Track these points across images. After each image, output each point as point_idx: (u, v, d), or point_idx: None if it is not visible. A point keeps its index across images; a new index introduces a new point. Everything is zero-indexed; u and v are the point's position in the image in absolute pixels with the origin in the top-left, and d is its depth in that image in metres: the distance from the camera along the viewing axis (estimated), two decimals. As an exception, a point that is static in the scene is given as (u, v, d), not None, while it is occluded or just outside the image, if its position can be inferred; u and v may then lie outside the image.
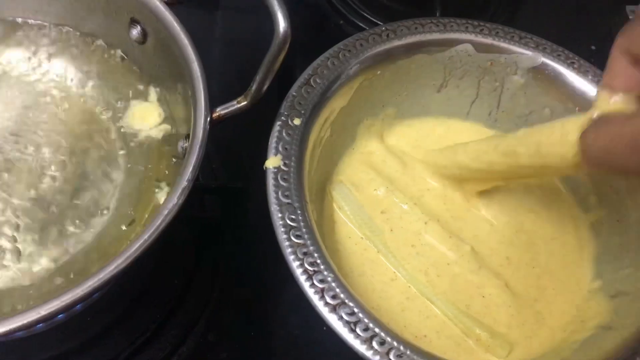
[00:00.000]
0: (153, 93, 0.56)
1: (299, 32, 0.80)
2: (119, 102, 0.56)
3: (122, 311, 0.54)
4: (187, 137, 0.50)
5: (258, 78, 0.48)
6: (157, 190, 0.52)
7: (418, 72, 0.56)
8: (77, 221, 0.50)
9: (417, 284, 0.50)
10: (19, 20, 0.58)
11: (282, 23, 0.45)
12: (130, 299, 0.55)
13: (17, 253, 0.49)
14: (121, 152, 0.54)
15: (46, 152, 0.53)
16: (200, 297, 0.57)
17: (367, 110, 0.56)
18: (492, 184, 0.53)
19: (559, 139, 0.42)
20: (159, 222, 0.43)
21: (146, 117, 0.55)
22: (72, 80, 0.57)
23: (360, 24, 0.76)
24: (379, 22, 0.73)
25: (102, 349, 0.53)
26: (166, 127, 0.55)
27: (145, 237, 0.42)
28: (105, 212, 0.51)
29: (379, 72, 0.54)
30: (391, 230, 0.53)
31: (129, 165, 0.53)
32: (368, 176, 0.55)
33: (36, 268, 0.48)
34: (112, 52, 0.58)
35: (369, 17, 0.76)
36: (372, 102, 0.56)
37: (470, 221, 0.54)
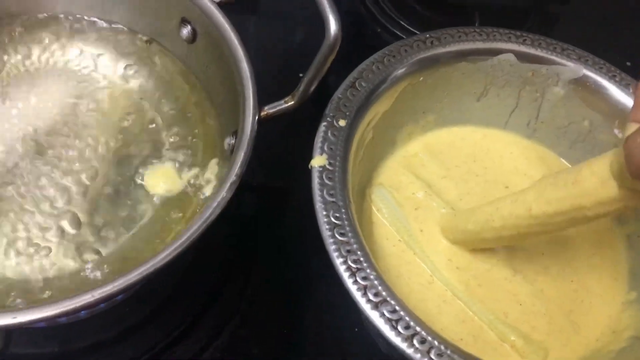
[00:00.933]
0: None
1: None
2: (168, 109, 0.58)
3: (160, 303, 0.55)
4: (234, 134, 0.51)
5: (306, 79, 0.49)
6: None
7: (460, 80, 0.57)
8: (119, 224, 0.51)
9: (454, 289, 0.51)
10: (73, 17, 0.60)
11: (333, 26, 0.47)
12: (168, 292, 0.56)
13: (60, 244, 0.50)
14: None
15: (89, 149, 0.54)
16: (235, 293, 0.58)
17: (409, 116, 0.57)
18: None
19: (589, 176, 0.41)
20: (208, 214, 0.44)
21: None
22: (120, 76, 0.58)
23: (398, 33, 0.77)
24: (416, 32, 0.74)
25: (138, 340, 0.54)
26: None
27: (194, 228, 0.43)
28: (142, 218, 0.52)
29: (421, 78, 0.55)
30: (421, 230, 0.54)
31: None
32: (407, 179, 0.56)
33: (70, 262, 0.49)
34: (162, 51, 0.59)
35: (406, 26, 0.77)
36: (413, 107, 0.57)
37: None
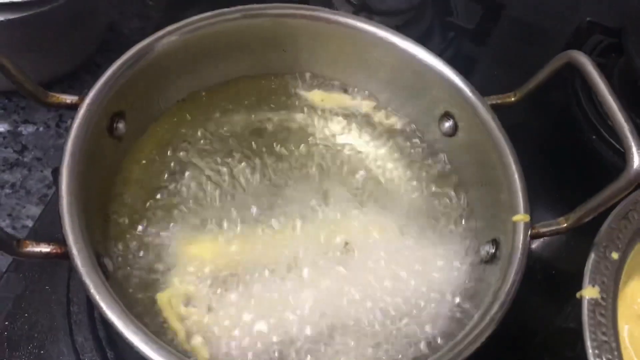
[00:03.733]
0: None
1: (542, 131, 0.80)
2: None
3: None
4: (493, 242, 0.50)
5: (588, 206, 0.47)
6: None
7: None
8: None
9: None
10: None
11: (637, 161, 0.45)
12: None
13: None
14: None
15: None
16: None
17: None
18: None
19: None
20: (481, 330, 0.43)
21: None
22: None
23: (616, 145, 0.74)
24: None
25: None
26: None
27: (465, 345, 0.42)
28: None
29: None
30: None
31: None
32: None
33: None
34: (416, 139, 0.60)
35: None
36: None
37: None
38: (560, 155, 0.77)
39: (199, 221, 0.52)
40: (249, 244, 0.51)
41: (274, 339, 0.46)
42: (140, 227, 0.50)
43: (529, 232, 0.47)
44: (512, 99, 0.55)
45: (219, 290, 0.48)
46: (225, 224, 0.52)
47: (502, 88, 0.56)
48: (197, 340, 0.45)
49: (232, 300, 0.47)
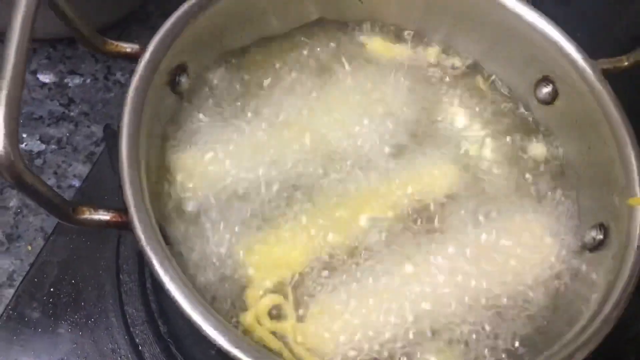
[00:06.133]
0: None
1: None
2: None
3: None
4: (600, 226, 0.44)
5: None
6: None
7: None
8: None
9: None
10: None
11: None
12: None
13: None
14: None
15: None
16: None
17: None
18: None
19: None
20: (590, 334, 0.37)
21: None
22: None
23: None
24: None
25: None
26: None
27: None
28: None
29: None
30: None
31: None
32: None
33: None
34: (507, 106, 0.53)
35: None
36: None
37: None
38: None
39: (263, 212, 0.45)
40: (319, 231, 0.45)
41: (378, 336, 0.41)
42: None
43: (651, 221, 0.41)
44: (625, 63, 0.48)
45: (304, 292, 0.43)
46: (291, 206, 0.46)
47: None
48: (301, 352, 0.40)
49: (321, 300, 0.42)
